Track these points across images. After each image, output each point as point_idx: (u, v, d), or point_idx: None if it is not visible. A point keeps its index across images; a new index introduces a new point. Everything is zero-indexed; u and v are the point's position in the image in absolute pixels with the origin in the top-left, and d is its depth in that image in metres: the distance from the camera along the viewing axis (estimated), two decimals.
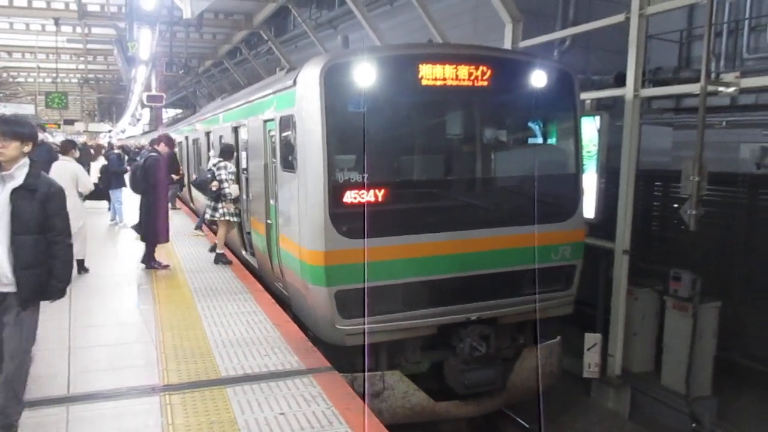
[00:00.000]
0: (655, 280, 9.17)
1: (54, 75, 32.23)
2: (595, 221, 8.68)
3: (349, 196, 6.40)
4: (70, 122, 43.63)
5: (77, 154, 9.93)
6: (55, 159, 11.26)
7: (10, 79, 41.75)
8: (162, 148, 9.85)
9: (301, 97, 6.74)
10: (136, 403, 4.89)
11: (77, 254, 8.91)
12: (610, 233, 8.67)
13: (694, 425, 8.15)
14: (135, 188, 9.65)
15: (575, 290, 7.66)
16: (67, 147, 9.48)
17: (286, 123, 7.28)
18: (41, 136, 11.61)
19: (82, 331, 6.67)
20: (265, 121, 8.28)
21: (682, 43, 12.72)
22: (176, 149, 15.26)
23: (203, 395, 4.99)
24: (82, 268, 9.21)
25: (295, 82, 6.90)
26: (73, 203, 8.61)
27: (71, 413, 4.68)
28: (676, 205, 8.82)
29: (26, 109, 37.25)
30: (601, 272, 9.15)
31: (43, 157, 10.98)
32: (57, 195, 4.56)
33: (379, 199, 6.49)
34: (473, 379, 6.91)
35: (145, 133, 41.65)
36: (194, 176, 16.16)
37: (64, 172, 8.66)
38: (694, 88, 7.95)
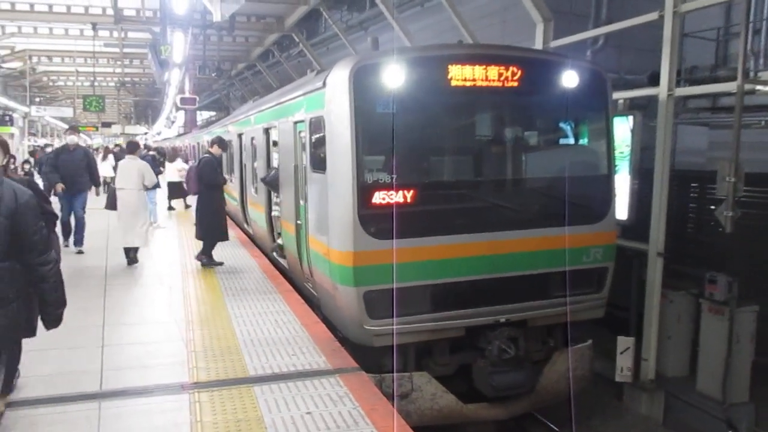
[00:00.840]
0: (689, 282, 8.98)
1: (92, 79, 33.01)
2: (627, 223, 8.54)
3: (378, 197, 6.40)
4: (107, 125, 44.57)
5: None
6: (93, 162, 11.42)
7: (50, 83, 42.86)
8: (215, 150, 10.10)
9: (331, 98, 6.76)
10: (165, 400, 4.95)
11: (137, 243, 9.77)
12: (644, 235, 8.51)
13: None
14: (190, 190, 9.96)
15: (607, 293, 7.54)
16: (133, 147, 10.80)
17: (316, 124, 7.31)
18: (76, 139, 11.77)
19: (115, 328, 6.79)
20: (295, 123, 8.34)
21: (719, 41, 12.44)
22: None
23: (231, 393, 5.03)
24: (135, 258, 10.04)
25: (324, 84, 6.93)
26: (139, 196, 10.06)
27: (103, 409, 4.76)
28: (712, 207, 8.63)
29: (65, 112, 38.24)
30: (634, 274, 9.00)
31: (79, 162, 11.00)
32: (28, 206, 3.69)
33: (408, 200, 6.47)
34: (502, 381, 6.84)
35: (179, 135, 42.30)
36: (226, 178, 16.37)
37: (132, 168, 9.99)
38: (730, 86, 7.78)
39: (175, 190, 16.90)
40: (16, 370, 4.17)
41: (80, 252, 10.86)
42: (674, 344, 8.81)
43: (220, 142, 10.30)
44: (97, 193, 11.42)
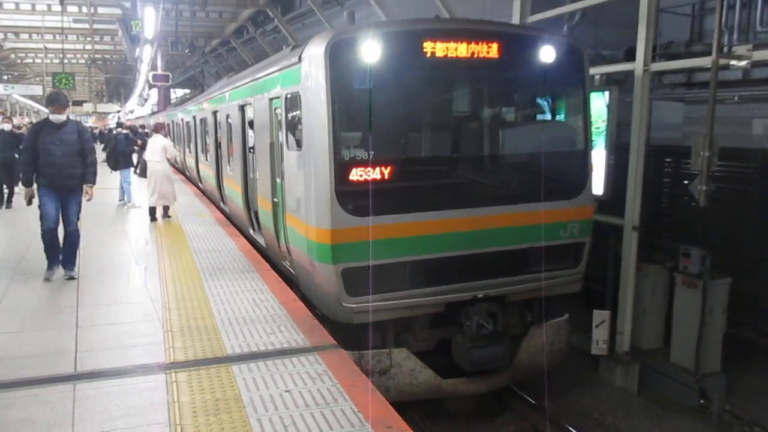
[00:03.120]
0: (664, 256, 9.09)
1: (61, 56, 32.27)
2: (604, 198, 8.59)
3: (356, 174, 6.35)
4: (78, 103, 43.72)
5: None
6: (90, 146, 8.01)
7: (18, 60, 41.81)
8: None
9: (307, 73, 6.67)
10: (142, 380, 4.89)
11: (167, 202, 12.19)
12: (620, 210, 8.58)
13: (702, 401, 8.13)
14: None
15: (584, 268, 7.60)
16: (159, 127, 13.19)
17: (292, 100, 7.21)
18: (63, 117, 7.67)
19: (90, 309, 6.69)
20: (271, 99, 8.22)
21: (694, 17, 12.47)
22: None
23: (209, 373, 4.99)
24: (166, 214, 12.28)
25: (300, 59, 6.82)
26: (164, 167, 12.34)
27: (78, 390, 4.70)
28: (686, 182, 8.72)
29: (34, 90, 37.42)
30: (610, 249, 9.08)
31: (71, 146, 7.63)
32: None
33: (386, 176, 6.43)
34: (480, 356, 6.90)
35: (153, 113, 41.62)
36: (202, 156, 16.17)
37: (157, 144, 12.36)
38: (705, 61, 7.82)
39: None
40: None
41: (71, 278, 7.75)
42: (649, 317, 8.96)
43: None
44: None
